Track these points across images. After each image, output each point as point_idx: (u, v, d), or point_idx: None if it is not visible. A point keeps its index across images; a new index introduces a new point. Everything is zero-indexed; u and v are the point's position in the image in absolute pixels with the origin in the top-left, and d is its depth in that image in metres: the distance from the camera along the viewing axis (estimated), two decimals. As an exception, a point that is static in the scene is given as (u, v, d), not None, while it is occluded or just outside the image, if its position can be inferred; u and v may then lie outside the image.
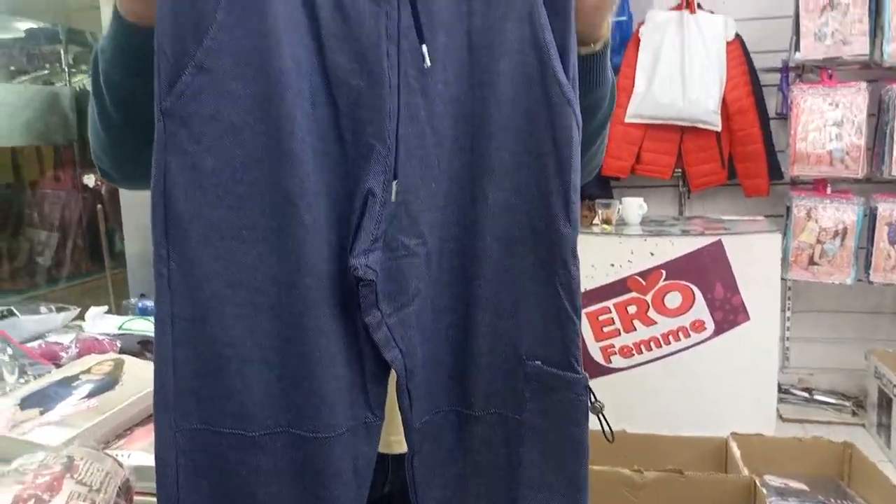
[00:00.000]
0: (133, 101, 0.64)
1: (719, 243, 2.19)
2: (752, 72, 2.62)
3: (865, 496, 1.79)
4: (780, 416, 2.61)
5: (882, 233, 2.47)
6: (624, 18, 2.59)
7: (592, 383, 0.65)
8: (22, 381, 1.28)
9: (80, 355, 1.41)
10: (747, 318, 2.21)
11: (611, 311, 2.25)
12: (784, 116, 2.63)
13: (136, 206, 2.52)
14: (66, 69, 3.33)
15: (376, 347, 0.61)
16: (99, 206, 2.57)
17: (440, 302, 0.64)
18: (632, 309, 2.24)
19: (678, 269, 2.21)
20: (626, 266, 2.24)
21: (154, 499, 0.61)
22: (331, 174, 0.59)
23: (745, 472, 1.77)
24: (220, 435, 0.59)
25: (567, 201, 0.61)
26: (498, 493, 0.67)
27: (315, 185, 0.57)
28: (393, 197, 0.58)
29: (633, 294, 2.24)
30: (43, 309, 1.66)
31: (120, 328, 1.60)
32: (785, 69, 2.62)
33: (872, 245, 2.50)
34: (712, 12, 2.62)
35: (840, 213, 2.47)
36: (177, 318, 0.58)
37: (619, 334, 2.24)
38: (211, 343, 0.58)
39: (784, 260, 2.43)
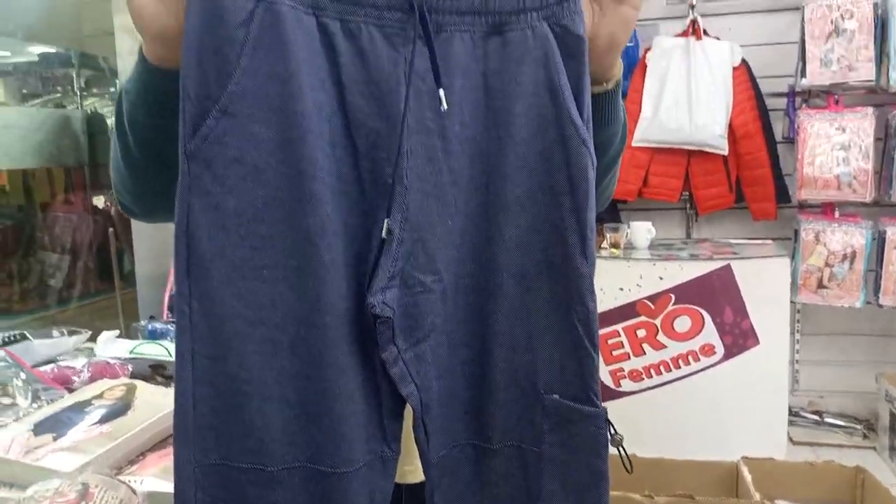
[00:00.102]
0: (155, 141, 0.66)
1: (728, 268, 2.19)
2: (759, 97, 2.64)
3: (878, 523, 1.77)
4: (790, 440, 2.59)
5: (891, 256, 2.47)
6: (630, 44, 2.62)
7: (601, 407, 0.65)
8: (35, 405, 1.29)
9: (92, 380, 1.42)
10: (757, 342, 2.21)
11: (620, 335, 2.25)
12: (791, 140, 2.64)
13: (146, 228, 2.55)
14: (78, 92, 3.37)
15: (393, 383, 0.62)
16: (111, 228, 2.59)
17: (456, 337, 0.65)
18: (641, 333, 2.24)
19: (687, 293, 2.21)
20: (635, 290, 2.24)
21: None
22: (349, 213, 0.60)
23: (757, 496, 1.75)
24: (239, 470, 0.59)
25: (584, 239, 0.63)
26: None
27: (334, 225, 0.59)
28: (397, 233, 0.59)
29: (643, 318, 2.24)
30: (55, 332, 1.67)
31: (131, 352, 1.61)
32: (791, 94, 2.64)
33: (881, 268, 2.50)
34: (718, 38, 2.64)
35: (848, 237, 2.47)
36: (197, 355, 0.59)
37: (629, 358, 2.24)
38: (231, 380, 0.59)
39: (793, 283, 2.43)
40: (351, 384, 0.60)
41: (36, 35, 3.05)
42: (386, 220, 0.59)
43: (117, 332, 1.73)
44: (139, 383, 1.33)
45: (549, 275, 0.64)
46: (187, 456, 0.59)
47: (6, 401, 1.30)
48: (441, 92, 0.58)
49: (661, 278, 2.23)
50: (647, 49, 2.66)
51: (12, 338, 1.57)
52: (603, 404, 0.65)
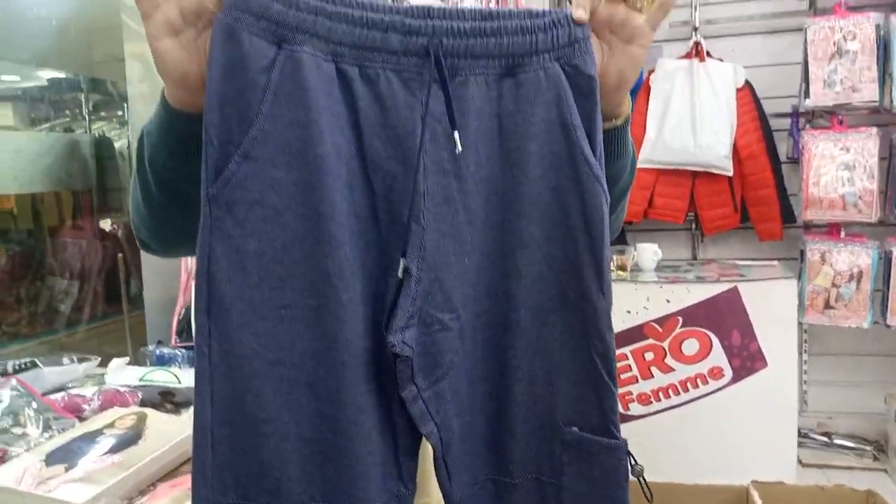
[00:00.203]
0: (175, 181, 0.67)
1: (735, 290, 2.19)
2: (763, 117, 2.65)
3: (892, 548, 1.75)
4: (799, 462, 2.57)
5: (898, 276, 2.46)
6: (635, 68, 2.63)
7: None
8: (46, 435, 1.29)
9: (102, 408, 1.43)
10: (765, 364, 2.20)
11: (628, 358, 2.25)
12: (795, 161, 2.65)
13: (155, 253, 2.55)
14: (87, 116, 3.41)
15: (409, 421, 0.62)
16: (120, 254, 2.61)
17: (475, 373, 0.65)
18: (649, 356, 2.23)
19: (695, 315, 2.21)
20: (643, 313, 2.24)
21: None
22: (366, 253, 0.61)
23: (768, 522, 1.74)
24: None
25: (600, 274, 0.64)
26: None
27: (352, 265, 0.59)
28: (415, 273, 0.60)
29: (650, 341, 2.24)
30: (65, 360, 1.68)
31: (141, 379, 1.61)
32: (795, 114, 2.65)
33: (888, 288, 2.49)
34: (721, 60, 2.66)
35: (855, 257, 2.47)
36: (216, 395, 0.59)
37: (637, 381, 2.23)
38: (249, 420, 0.59)
39: (800, 304, 2.42)
40: (368, 423, 0.61)
41: (47, 60, 3.08)
42: (402, 261, 0.60)
43: (127, 359, 1.74)
44: (150, 412, 1.33)
45: (565, 309, 0.65)
46: (206, 496, 0.59)
47: (18, 430, 1.30)
48: (456, 135, 0.59)
49: (668, 301, 2.23)
50: (651, 71, 2.68)
51: (23, 365, 1.58)
52: (624, 438, 0.66)
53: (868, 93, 2.37)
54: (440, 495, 0.66)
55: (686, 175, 2.64)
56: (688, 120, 2.59)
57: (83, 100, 3.37)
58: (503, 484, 0.67)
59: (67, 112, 3.41)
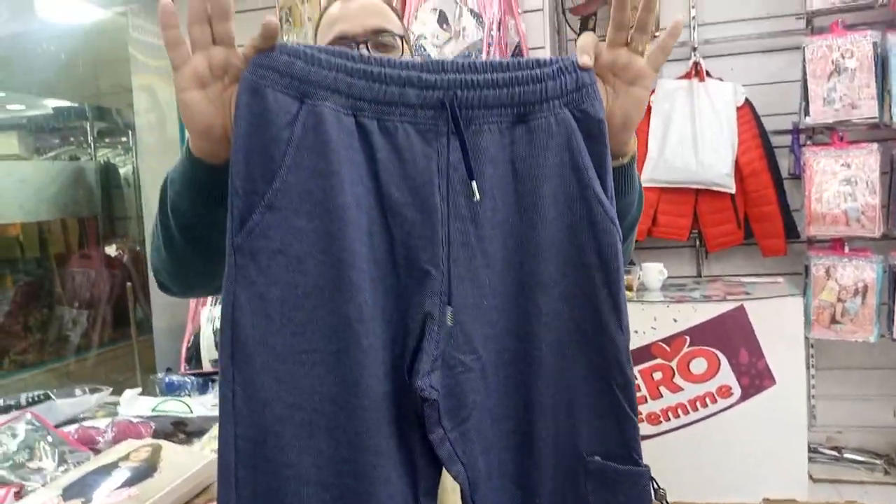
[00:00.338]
0: (196, 228, 0.69)
1: (742, 308, 2.20)
2: (764, 135, 2.67)
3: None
4: (810, 477, 2.56)
5: (903, 289, 2.47)
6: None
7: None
8: (62, 468, 1.30)
9: (116, 440, 1.43)
10: (773, 382, 2.20)
11: (637, 378, 2.25)
12: (797, 177, 2.66)
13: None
14: (92, 143, 3.43)
15: (428, 463, 0.64)
16: (129, 283, 2.63)
17: (498, 411, 0.67)
18: (657, 375, 2.23)
19: (702, 334, 2.21)
20: (650, 332, 2.25)
21: None
22: (385, 298, 0.63)
23: (781, 542, 1.74)
24: None
25: (618, 310, 0.65)
26: None
27: (372, 310, 0.61)
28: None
29: (658, 360, 2.25)
30: (77, 391, 1.69)
31: (154, 410, 1.62)
32: (795, 131, 2.67)
33: (894, 302, 2.50)
34: (721, 79, 2.69)
35: (859, 272, 2.48)
36: (240, 438, 0.60)
37: (646, 401, 2.23)
38: (271, 464, 0.60)
39: (806, 319, 2.43)
40: (388, 466, 0.62)
41: (55, 91, 3.12)
42: (449, 309, 0.61)
43: (139, 389, 1.75)
44: (164, 444, 1.34)
45: (584, 344, 0.67)
46: (231, 538, 0.61)
47: (33, 464, 1.31)
48: (474, 185, 0.61)
49: (675, 320, 2.23)
50: (651, 91, 2.70)
51: (36, 398, 1.59)
52: (647, 465, 0.67)
53: (867, 109, 2.39)
54: None
55: (689, 193, 2.65)
56: (689, 138, 2.61)
57: (88, 128, 3.40)
58: None
59: (72, 138, 3.44)
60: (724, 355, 2.20)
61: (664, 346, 2.24)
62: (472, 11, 2.01)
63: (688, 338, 2.22)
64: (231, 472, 0.61)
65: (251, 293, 0.59)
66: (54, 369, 2.86)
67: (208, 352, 2.14)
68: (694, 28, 2.77)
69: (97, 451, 1.37)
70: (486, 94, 0.62)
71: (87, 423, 1.53)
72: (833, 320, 2.49)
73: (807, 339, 2.49)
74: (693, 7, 2.77)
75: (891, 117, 2.37)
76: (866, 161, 2.43)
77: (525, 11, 2.29)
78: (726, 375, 2.20)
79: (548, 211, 0.65)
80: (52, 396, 1.60)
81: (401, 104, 0.61)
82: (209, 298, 2.16)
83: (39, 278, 3.00)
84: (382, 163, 0.61)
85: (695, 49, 2.74)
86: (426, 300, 0.61)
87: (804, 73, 2.47)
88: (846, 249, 2.52)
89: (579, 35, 2.78)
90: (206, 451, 1.37)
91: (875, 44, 2.39)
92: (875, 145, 2.44)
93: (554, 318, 0.66)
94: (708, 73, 2.68)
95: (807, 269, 2.57)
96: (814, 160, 2.47)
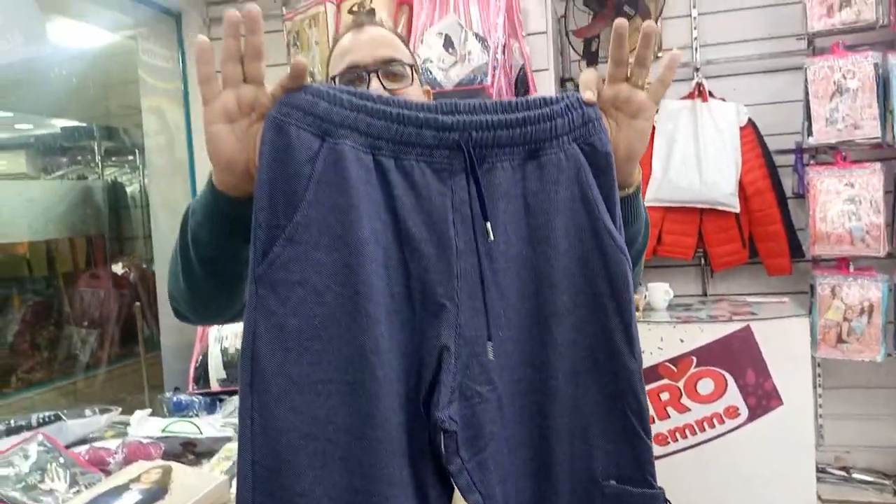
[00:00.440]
0: (216, 259, 0.70)
1: (748, 329, 2.20)
2: (767, 154, 2.69)
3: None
4: (819, 498, 2.55)
5: (909, 308, 2.47)
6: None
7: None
8: (73, 490, 1.31)
9: (126, 461, 1.44)
10: (780, 402, 2.20)
11: (643, 398, 2.24)
12: (801, 196, 2.67)
13: (171, 300, 2.58)
14: (99, 162, 3.47)
15: (440, 493, 0.65)
16: (137, 303, 2.64)
17: (514, 439, 0.68)
18: (664, 396, 2.24)
19: (709, 355, 2.22)
20: (657, 353, 2.25)
21: None
22: (400, 330, 0.64)
23: (790, 564, 1.73)
24: None
25: (630, 338, 0.67)
26: None
27: (387, 342, 0.63)
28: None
29: (665, 381, 2.25)
30: (87, 411, 1.70)
31: (163, 430, 1.63)
32: (799, 151, 2.69)
33: (900, 321, 2.50)
34: (724, 99, 2.71)
35: (865, 291, 2.48)
36: (257, 465, 0.62)
37: (654, 422, 2.23)
38: (286, 492, 0.62)
39: (812, 338, 2.43)
40: (400, 496, 0.63)
41: (65, 112, 3.16)
42: (489, 344, 0.64)
43: (149, 410, 1.76)
44: (174, 465, 1.35)
45: (597, 371, 0.68)
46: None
47: (45, 486, 1.32)
48: (488, 225, 0.63)
49: (681, 340, 2.24)
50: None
51: (47, 419, 1.60)
52: (661, 487, 0.69)
53: (870, 129, 2.41)
54: None
55: (693, 212, 2.67)
56: (693, 158, 2.63)
57: (95, 147, 3.43)
58: None
59: (79, 157, 3.47)
60: (731, 376, 2.20)
61: (671, 366, 2.24)
62: (477, 35, 2.03)
63: (694, 358, 2.22)
64: (248, 499, 0.62)
65: (270, 323, 0.60)
66: (62, 387, 2.87)
67: (216, 371, 2.14)
68: (696, 49, 2.80)
69: (108, 473, 1.38)
70: (500, 135, 0.65)
71: (97, 444, 1.54)
72: (839, 339, 2.49)
73: (813, 358, 2.49)
74: (695, 28, 2.81)
75: (893, 137, 2.39)
76: (870, 180, 2.45)
77: (529, 34, 2.32)
78: (733, 396, 2.20)
79: (560, 243, 0.67)
80: (63, 417, 1.61)
81: (418, 144, 0.63)
82: (218, 319, 2.16)
83: (47, 297, 3.02)
84: (400, 199, 0.63)
85: (697, 69, 2.76)
86: (442, 332, 0.63)
87: (806, 94, 2.49)
88: (851, 268, 2.53)
89: (582, 56, 2.82)
90: (215, 472, 1.38)
91: (876, 65, 2.41)
92: (878, 164, 2.46)
93: (568, 348, 0.68)
94: (711, 94, 2.70)
95: (812, 288, 2.58)
96: (817, 179, 2.49)
